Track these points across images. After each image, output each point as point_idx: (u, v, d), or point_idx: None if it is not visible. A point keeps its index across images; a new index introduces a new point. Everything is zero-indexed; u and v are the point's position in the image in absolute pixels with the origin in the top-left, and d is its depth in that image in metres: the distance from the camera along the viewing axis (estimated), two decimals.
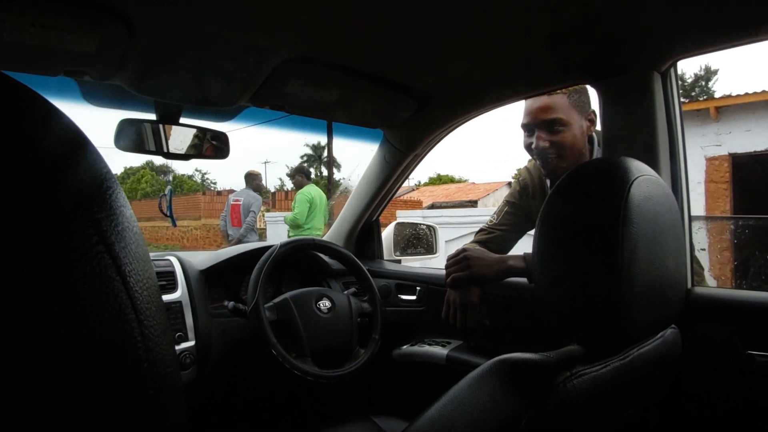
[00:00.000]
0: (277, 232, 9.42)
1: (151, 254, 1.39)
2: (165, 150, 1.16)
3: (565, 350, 0.64)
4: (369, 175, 1.63)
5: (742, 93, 6.01)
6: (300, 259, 1.60)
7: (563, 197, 0.62)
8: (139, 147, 1.14)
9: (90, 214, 0.25)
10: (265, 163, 43.55)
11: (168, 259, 1.36)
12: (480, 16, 0.88)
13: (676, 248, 0.65)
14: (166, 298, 1.25)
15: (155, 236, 19.69)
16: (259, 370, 1.44)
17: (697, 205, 5.94)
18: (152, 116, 1.15)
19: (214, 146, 1.19)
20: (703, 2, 0.81)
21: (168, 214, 1.91)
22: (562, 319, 0.61)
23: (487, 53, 1.01)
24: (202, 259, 1.47)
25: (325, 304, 1.34)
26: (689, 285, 1.01)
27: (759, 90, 5.79)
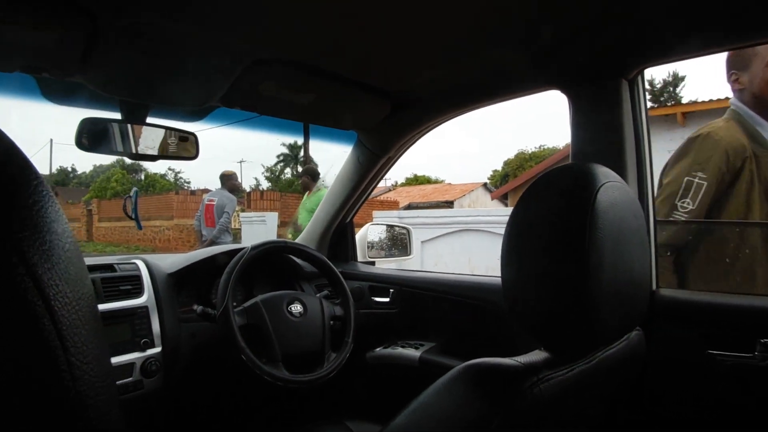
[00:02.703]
0: (252, 233, 9.28)
1: (116, 257, 1.35)
2: (132, 151, 1.13)
3: (532, 355, 0.64)
4: (343, 177, 1.62)
5: (707, 99, 6.23)
6: (272, 262, 1.58)
7: (531, 203, 0.62)
8: (103, 147, 1.10)
9: (8, 234, 0.24)
10: (241, 162, 42.86)
11: (134, 263, 1.32)
12: (454, 23, 0.89)
13: (641, 252, 0.66)
14: (131, 303, 1.22)
15: (126, 237, 19.15)
16: (230, 375, 1.41)
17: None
18: (117, 115, 1.12)
19: (183, 147, 1.16)
20: (669, 14, 0.84)
21: (133, 216, 1.85)
22: (530, 325, 0.62)
23: (461, 58, 1.01)
24: (172, 262, 1.43)
25: (296, 307, 1.32)
26: (654, 287, 1.03)
27: (722, 97, 6.00)
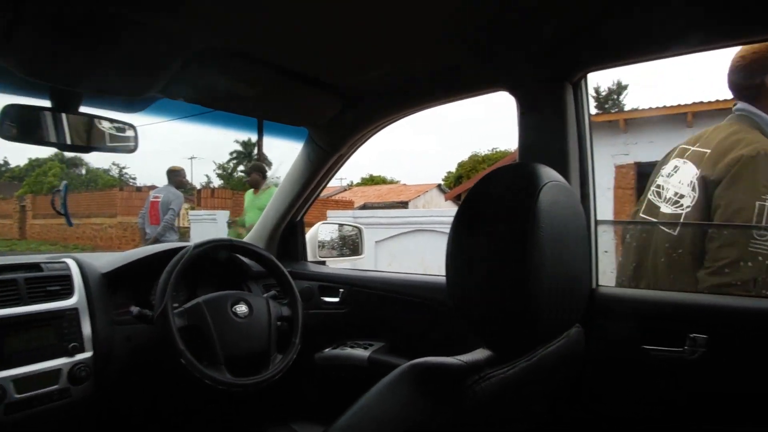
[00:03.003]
0: (202, 232, 8.98)
1: (45, 256, 1.26)
2: (64, 141, 1.05)
3: (476, 353, 0.64)
4: (293, 174, 1.59)
5: (647, 107, 6.61)
6: (218, 262, 1.52)
7: (476, 201, 0.63)
8: (30, 137, 1.02)
9: None
10: (191, 158, 41.32)
11: (64, 262, 1.24)
12: (404, 20, 0.88)
13: (581, 251, 0.68)
14: (59, 305, 1.14)
15: (63, 235, 18.12)
16: (169, 379, 1.35)
17: (608, 209, 6.42)
18: (47, 103, 1.04)
19: (121, 139, 1.10)
20: (612, 20, 0.87)
21: (62, 212, 1.73)
22: (473, 323, 0.62)
23: (411, 57, 1.01)
24: (108, 260, 1.35)
25: (241, 308, 1.28)
26: (594, 285, 1.07)
27: (660, 105, 6.39)
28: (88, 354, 1.15)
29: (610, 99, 23.38)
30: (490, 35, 0.93)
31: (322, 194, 1.71)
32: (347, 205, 15.56)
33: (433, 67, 1.05)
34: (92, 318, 1.18)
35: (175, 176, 4.94)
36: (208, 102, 1.14)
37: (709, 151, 1.29)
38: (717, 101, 5.79)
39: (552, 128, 1.01)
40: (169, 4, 0.79)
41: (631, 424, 0.98)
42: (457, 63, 1.02)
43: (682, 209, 1.30)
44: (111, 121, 1.07)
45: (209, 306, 1.23)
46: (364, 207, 15.73)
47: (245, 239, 1.81)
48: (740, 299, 0.98)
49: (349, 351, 1.50)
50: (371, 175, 32.95)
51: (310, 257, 1.82)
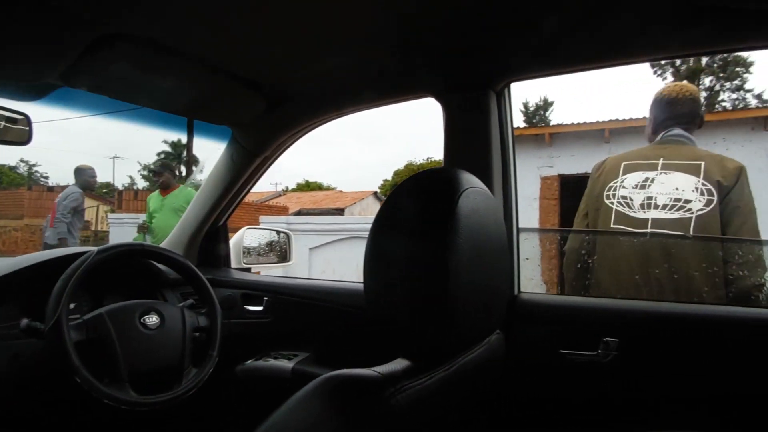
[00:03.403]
0: (123, 236, 8.37)
1: None
2: None
3: (394, 364, 0.62)
4: (214, 176, 1.50)
5: (569, 123, 7.04)
6: (129, 268, 1.40)
7: (395, 206, 0.61)
8: None
9: None
10: (113, 158, 38.56)
11: None
12: (327, 20, 0.85)
13: (501, 258, 0.68)
14: None
15: None
16: (67, 402, 1.21)
17: (534, 218, 6.74)
18: None
19: (10, 130, 0.97)
20: (534, 32, 0.88)
21: None
22: (390, 331, 0.60)
23: (338, 57, 0.99)
24: None
25: (151, 319, 1.17)
26: (516, 291, 1.09)
27: (581, 121, 6.83)
28: None
29: (538, 114, 24.75)
30: (415, 40, 0.92)
31: (256, 199, 1.64)
32: (282, 210, 15.24)
33: (359, 70, 1.03)
34: None
35: (80, 175, 4.45)
36: (114, 93, 1.04)
37: (702, 163, 1.50)
38: (630, 119, 6.28)
39: (476, 136, 1.01)
40: None
41: (548, 429, 1.00)
42: (383, 67, 1.01)
43: (692, 213, 1.45)
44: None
45: (113, 317, 1.12)
46: (299, 213, 15.48)
47: (162, 244, 1.69)
48: (647, 303, 1.03)
49: (272, 362, 1.43)
50: (307, 181, 32.59)
51: (234, 264, 1.73)
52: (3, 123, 0.95)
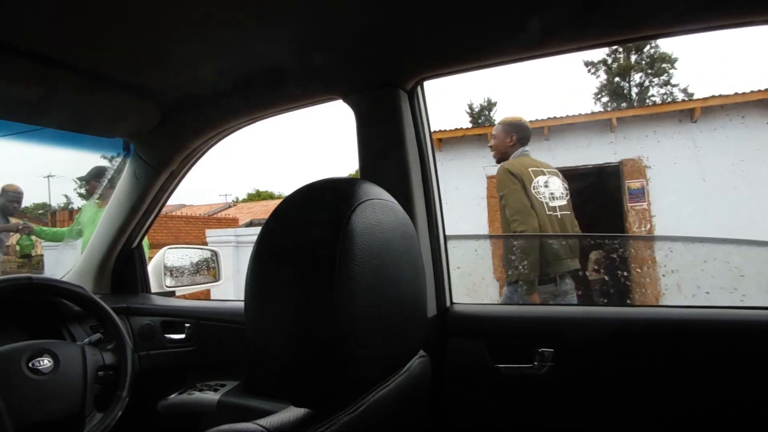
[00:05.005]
0: (59, 261, 7.75)
1: None
2: None
3: (284, 413, 0.53)
4: (120, 196, 1.36)
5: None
6: (24, 305, 1.23)
7: (278, 225, 0.52)
8: None
9: None
10: (48, 177, 36.12)
11: None
12: (220, 18, 0.76)
13: (414, 274, 0.61)
14: None
15: None
16: None
17: (483, 218, 6.82)
18: None
19: None
20: (445, 25, 0.82)
21: None
22: (276, 376, 0.51)
23: (232, 58, 0.89)
24: None
25: (43, 362, 1.03)
26: (448, 303, 1.02)
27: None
28: None
29: (482, 115, 25.36)
30: (315, 37, 0.84)
31: (204, 212, 1.50)
32: (231, 223, 14.75)
33: (258, 72, 0.94)
34: None
35: (0, 197, 3.89)
36: None
37: (555, 170, 2.46)
38: (567, 116, 6.47)
39: (389, 139, 0.94)
40: None
41: None
42: (281, 67, 0.92)
43: (564, 200, 2.39)
44: None
45: None
46: (250, 224, 15.02)
47: (70, 273, 1.52)
48: (580, 309, 0.99)
49: (197, 395, 1.31)
50: (258, 191, 31.85)
51: (155, 288, 1.58)
52: None
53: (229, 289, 4.89)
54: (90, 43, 0.80)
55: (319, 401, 0.51)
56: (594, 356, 0.88)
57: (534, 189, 2.27)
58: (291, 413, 0.53)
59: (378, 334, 0.53)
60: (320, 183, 0.55)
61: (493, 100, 26.34)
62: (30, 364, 1.02)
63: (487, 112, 26.19)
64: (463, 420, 0.94)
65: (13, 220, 4.04)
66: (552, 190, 2.35)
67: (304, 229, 0.50)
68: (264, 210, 19.86)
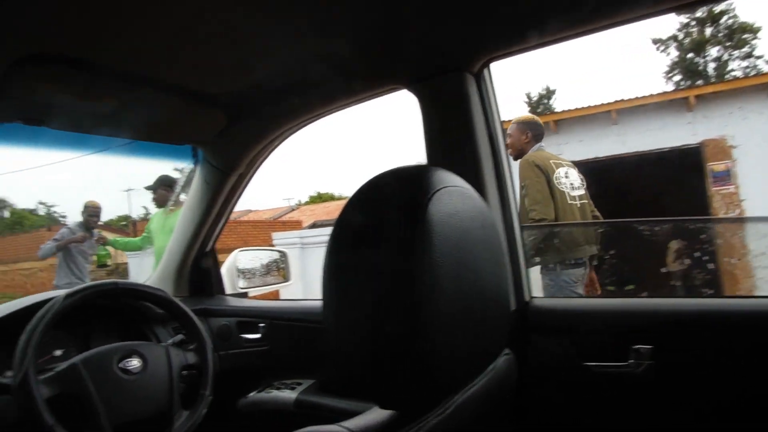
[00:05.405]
0: (142, 267, 8.33)
1: None
2: None
3: (369, 415, 0.51)
4: (192, 201, 1.41)
5: (573, 108, 6.83)
6: (113, 308, 1.31)
7: (352, 218, 0.50)
8: None
9: None
10: (128, 191, 39.12)
11: None
12: (278, 13, 0.75)
13: (495, 266, 0.56)
14: None
15: None
16: None
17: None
18: None
19: None
20: (506, 3, 0.77)
21: None
22: (359, 378, 0.48)
23: (291, 56, 0.88)
24: None
25: (132, 362, 1.08)
26: (527, 298, 0.96)
27: (586, 105, 6.63)
28: None
29: (541, 104, 24.49)
30: (374, 25, 0.81)
31: (269, 216, 1.55)
32: (295, 225, 15.20)
33: (318, 66, 0.93)
34: None
35: (83, 212, 4.24)
36: (53, 122, 0.95)
37: (572, 163, 2.72)
38: (637, 98, 6.07)
39: (458, 126, 0.90)
40: None
41: None
42: (343, 60, 0.90)
43: (582, 190, 2.65)
44: None
45: (89, 366, 1.02)
46: (313, 226, 15.40)
47: (152, 278, 1.60)
48: (683, 301, 0.90)
49: (275, 394, 1.33)
50: (319, 193, 32.61)
51: (229, 290, 1.63)
52: None
53: (298, 290, 5.02)
54: (160, 56, 0.83)
55: (406, 403, 0.48)
56: (700, 353, 0.78)
57: (556, 180, 2.53)
58: (376, 415, 0.50)
59: (463, 329, 0.49)
60: (391, 172, 0.52)
61: (551, 88, 25.38)
62: (120, 365, 1.07)
63: (546, 101, 25.28)
64: (549, 422, 0.87)
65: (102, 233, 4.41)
66: (572, 181, 2.60)
67: (378, 218, 0.48)
68: (326, 212, 20.30)
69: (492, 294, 0.55)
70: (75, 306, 1.06)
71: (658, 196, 5.82)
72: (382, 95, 1.04)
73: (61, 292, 1.09)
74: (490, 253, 0.56)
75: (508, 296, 0.65)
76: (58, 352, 1.16)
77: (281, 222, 15.54)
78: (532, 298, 0.97)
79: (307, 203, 28.09)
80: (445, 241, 0.46)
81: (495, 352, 0.61)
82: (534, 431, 0.87)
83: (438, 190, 0.48)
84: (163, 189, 3.74)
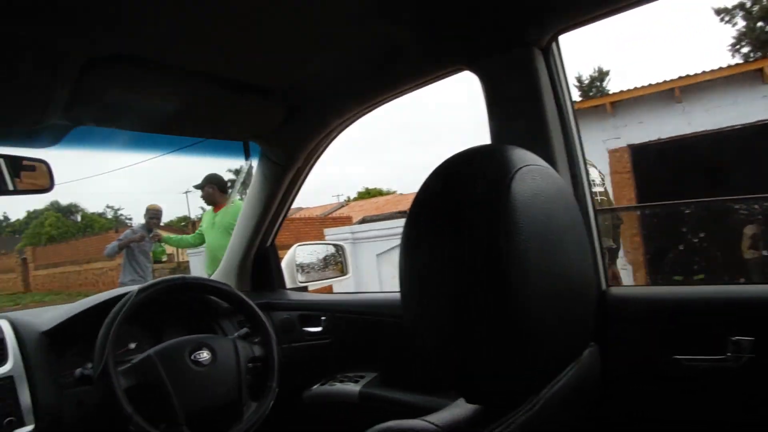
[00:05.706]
0: (203, 264, 8.73)
1: None
2: None
3: (453, 408, 0.48)
4: (252, 196, 1.43)
5: (632, 87, 6.46)
6: (182, 303, 1.36)
7: (429, 202, 0.47)
8: None
9: None
10: (186, 192, 41.06)
11: None
12: (334, 3, 0.74)
13: (580, 250, 0.52)
14: None
15: (66, 283, 18.00)
16: None
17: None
18: None
19: (30, 178, 0.94)
20: None
21: None
22: (444, 369, 0.45)
23: (348, 42, 0.86)
24: (51, 316, 1.19)
25: (202, 354, 1.11)
26: (604, 286, 0.90)
27: (646, 84, 6.24)
28: (28, 428, 0.99)
29: (593, 87, 23.43)
30: (436, 4, 0.77)
31: (319, 213, 1.56)
32: (346, 221, 15.39)
33: (377, 50, 0.90)
34: (32, 385, 1.02)
35: (145, 215, 4.54)
36: (122, 123, 0.98)
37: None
38: (704, 72, 5.65)
39: (525, 105, 0.84)
40: (35, 11, 0.64)
41: None
42: (400, 44, 0.87)
43: (602, 187, 3.33)
44: (14, 158, 0.91)
45: (162, 358, 1.06)
46: (363, 221, 15.53)
47: (216, 272, 1.65)
48: None
49: (338, 386, 1.34)
50: (367, 189, 32.85)
51: (289, 284, 1.66)
52: (22, 173, 0.91)
53: (350, 284, 5.08)
54: (221, 52, 0.83)
55: (497, 397, 0.45)
56: None
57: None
58: (461, 410, 0.47)
59: (553, 320, 0.45)
60: (470, 151, 0.49)
61: (604, 69, 24.20)
62: (192, 357, 1.10)
63: (598, 83, 24.15)
64: (637, 419, 0.81)
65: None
66: (593, 178, 2.87)
67: (458, 198, 0.44)
68: (374, 207, 20.42)
69: (579, 282, 0.51)
70: (147, 300, 1.10)
71: (729, 177, 5.43)
72: (441, 78, 1.00)
73: (134, 288, 1.13)
74: (575, 236, 0.52)
75: (593, 284, 0.60)
76: (132, 345, 1.22)
77: (332, 218, 15.77)
78: (609, 286, 0.91)
79: (355, 199, 28.39)
80: (531, 222, 0.43)
81: (582, 344, 0.57)
82: (621, 429, 0.81)
83: (519, 168, 0.44)
84: (210, 187, 3.78)
